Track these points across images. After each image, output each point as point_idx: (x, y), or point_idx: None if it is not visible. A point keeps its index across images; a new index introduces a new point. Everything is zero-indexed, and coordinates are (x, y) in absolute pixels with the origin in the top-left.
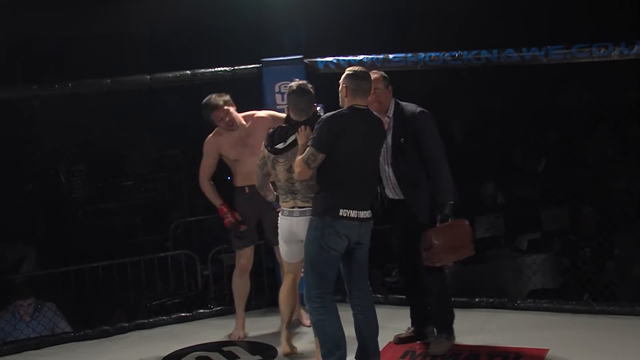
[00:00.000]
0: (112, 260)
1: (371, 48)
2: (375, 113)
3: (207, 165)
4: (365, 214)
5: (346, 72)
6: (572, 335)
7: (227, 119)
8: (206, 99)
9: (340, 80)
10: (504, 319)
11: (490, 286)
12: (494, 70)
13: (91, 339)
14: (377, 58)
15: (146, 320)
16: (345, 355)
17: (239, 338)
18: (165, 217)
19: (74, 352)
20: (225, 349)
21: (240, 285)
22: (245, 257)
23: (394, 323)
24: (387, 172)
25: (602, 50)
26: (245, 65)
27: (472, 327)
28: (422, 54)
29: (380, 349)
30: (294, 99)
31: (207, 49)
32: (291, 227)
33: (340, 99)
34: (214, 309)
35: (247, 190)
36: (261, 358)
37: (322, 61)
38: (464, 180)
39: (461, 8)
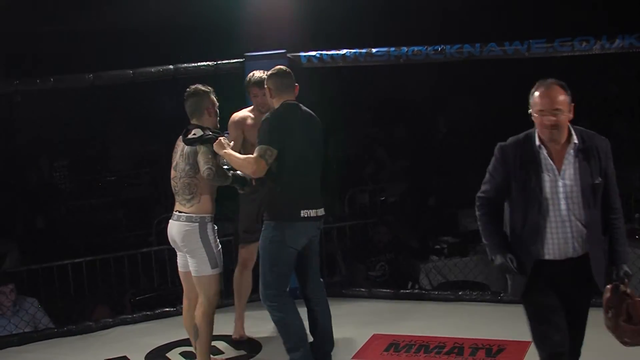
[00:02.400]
0: (95, 256)
1: (354, 42)
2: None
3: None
4: (321, 211)
5: (268, 74)
6: None
7: (260, 99)
8: (251, 74)
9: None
10: (488, 312)
11: (474, 280)
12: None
13: (74, 335)
14: (360, 52)
15: (130, 316)
16: (309, 349)
17: (240, 337)
18: (148, 213)
19: (57, 348)
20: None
21: (241, 282)
22: (248, 252)
23: (377, 317)
24: (571, 221)
25: (584, 44)
26: (229, 60)
27: (456, 320)
28: (404, 48)
29: (364, 342)
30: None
31: (189, 44)
32: (170, 231)
33: (263, 102)
34: None
35: (253, 183)
36: (245, 353)
37: (305, 55)
38: (449, 171)
39: (443, 2)
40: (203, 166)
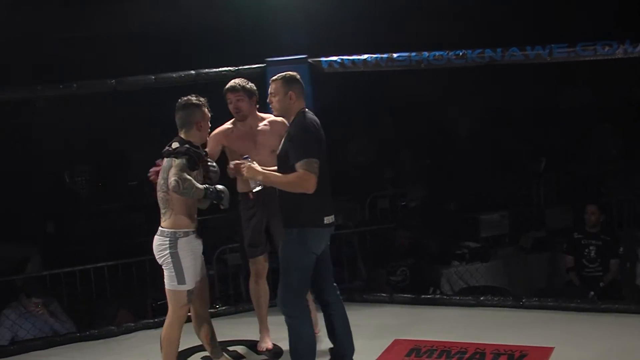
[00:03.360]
0: (117, 261)
1: (375, 47)
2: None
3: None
4: (334, 217)
5: (284, 79)
6: (577, 333)
7: (233, 105)
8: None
9: (275, 89)
10: (510, 318)
11: (496, 285)
12: (497, 68)
13: (97, 339)
14: (382, 57)
15: (151, 320)
16: None
17: (267, 349)
18: None
19: (80, 352)
20: (230, 348)
21: (258, 291)
22: (259, 264)
23: (398, 322)
24: None
25: (607, 48)
26: (249, 65)
27: (477, 325)
28: (426, 53)
29: (385, 347)
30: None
31: (209, 49)
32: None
33: (281, 108)
34: (219, 309)
35: (250, 196)
36: (266, 358)
37: (326, 61)
38: (468, 179)
39: (464, 6)
40: (170, 177)
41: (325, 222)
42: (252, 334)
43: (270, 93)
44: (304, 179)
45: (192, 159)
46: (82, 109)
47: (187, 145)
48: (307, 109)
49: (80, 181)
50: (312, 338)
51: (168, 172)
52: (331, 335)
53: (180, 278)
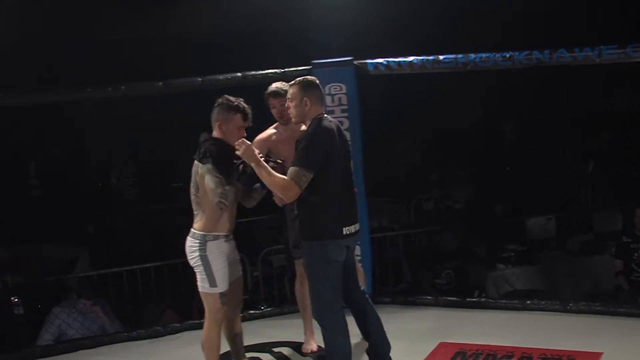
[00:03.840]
0: (163, 262)
1: (421, 49)
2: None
3: None
4: (357, 226)
5: (301, 85)
6: (626, 339)
7: (277, 110)
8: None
9: (292, 95)
10: (556, 322)
11: (542, 288)
12: (544, 70)
13: (143, 339)
14: (427, 59)
15: (197, 321)
16: None
17: (312, 352)
18: None
19: (127, 351)
20: (275, 349)
21: (303, 293)
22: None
23: (443, 325)
24: None
25: None
26: (296, 67)
27: (523, 329)
28: (472, 55)
29: (430, 350)
30: None
31: (253, 51)
32: None
33: (297, 114)
34: (264, 310)
35: (276, 200)
36: (311, 359)
37: (372, 62)
38: (515, 182)
39: (510, 8)
40: (213, 197)
41: (344, 233)
42: (297, 336)
43: (288, 98)
44: (286, 187)
45: (215, 159)
46: (129, 110)
47: (210, 142)
48: (325, 115)
49: (127, 182)
50: (346, 348)
51: (195, 177)
52: (365, 336)
53: (211, 281)
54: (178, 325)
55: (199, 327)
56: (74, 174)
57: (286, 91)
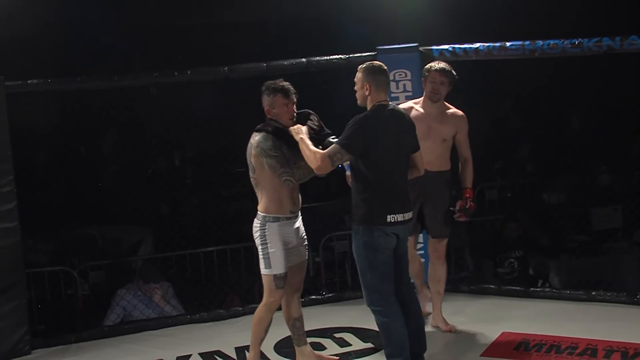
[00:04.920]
0: (226, 245)
1: (487, 36)
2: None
3: None
4: (408, 215)
5: (366, 70)
6: None
7: (435, 85)
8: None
9: (357, 79)
10: (623, 314)
11: (608, 280)
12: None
13: (206, 322)
14: (494, 46)
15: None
16: (409, 357)
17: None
18: None
19: (190, 333)
20: (337, 335)
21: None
22: (410, 242)
23: (506, 314)
24: None
25: None
26: (360, 53)
27: (589, 321)
28: (540, 42)
29: (493, 339)
30: None
31: (320, 38)
32: None
33: (359, 99)
34: (325, 296)
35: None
36: (372, 345)
37: (437, 49)
38: (579, 171)
39: None
40: (279, 176)
41: (388, 220)
42: (358, 322)
43: (355, 81)
44: (320, 159)
45: (269, 134)
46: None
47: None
48: (389, 103)
49: (191, 167)
50: (402, 336)
51: (249, 159)
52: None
53: (266, 262)
54: (240, 309)
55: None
56: (140, 155)
57: (450, 72)
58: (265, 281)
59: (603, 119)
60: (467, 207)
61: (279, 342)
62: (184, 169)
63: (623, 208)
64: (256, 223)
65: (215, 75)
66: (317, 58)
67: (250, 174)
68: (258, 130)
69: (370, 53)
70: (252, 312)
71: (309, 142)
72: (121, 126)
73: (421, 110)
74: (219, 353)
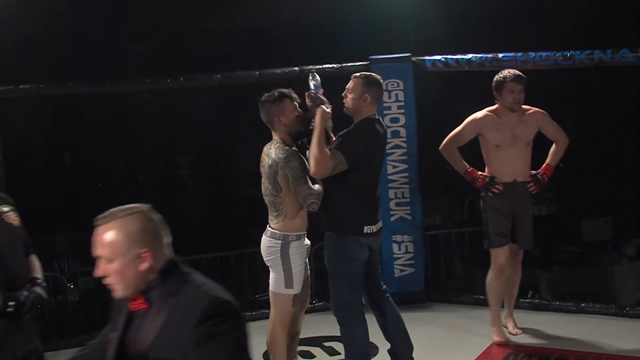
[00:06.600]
0: (216, 253)
1: (480, 47)
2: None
3: (459, 138)
4: (379, 224)
5: (366, 79)
6: None
7: (515, 95)
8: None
9: (354, 86)
10: (612, 326)
11: (598, 292)
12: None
13: None
14: (486, 57)
15: (249, 313)
16: None
17: (508, 339)
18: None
19: None
20: (326, 344)
21: (498, 288)
22: (503, 256)
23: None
24: None
25: None
26: (353, 62)
27: (578, 333)
28: (532, 54)
29: (481, 351)
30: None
31: (314, 46)
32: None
33: (352, 107)
34: (315, 304)
35: (500, 187)
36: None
37: (429, 59)
38: (571, 183)
39: (572, 7)
40: (304, 199)
41: (365, 231)
42: None
43: (347, 88)
44: (322, 160)
45: (295, 152)
46: (189, 101)
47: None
48: (377, 117)
49: (184, 173)
50: (363, 342)
51: (273, 178)
52: (386, 336)
53: (288, 282)
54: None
55: (251, 319)
56: (133, 162)
57: (523, 75)
58: (281, 301)
59: (596, 131)
60: (539, 177)
61: (266, 351)
62: (178, 176)
63: (613, 220)
64: (274, 243)
65: (208, 82)
66: (310, 66)
67: (270, 193)
68: (279, 145)
69: (363, 62)
70: (253, 319)
71: (322, 141)
72: (116, 131)
73: (501, 118)
74: None
